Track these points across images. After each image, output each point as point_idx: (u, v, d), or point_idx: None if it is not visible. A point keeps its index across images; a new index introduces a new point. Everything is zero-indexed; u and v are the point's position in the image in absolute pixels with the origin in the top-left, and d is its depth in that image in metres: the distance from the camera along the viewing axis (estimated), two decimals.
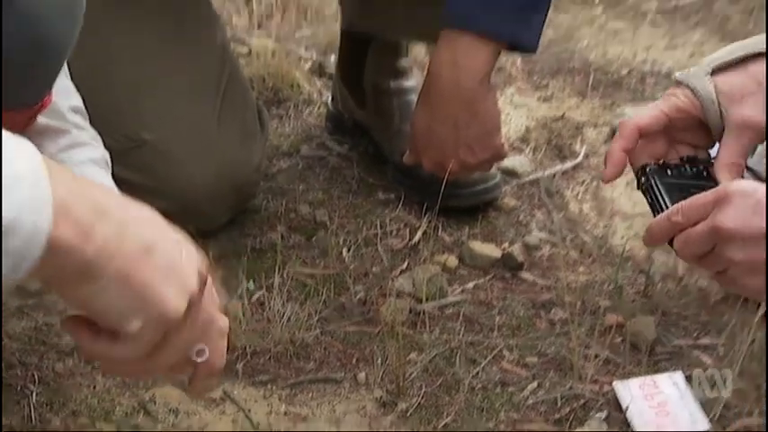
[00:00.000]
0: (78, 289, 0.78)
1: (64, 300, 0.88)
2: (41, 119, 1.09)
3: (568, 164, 1.86)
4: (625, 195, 1.79)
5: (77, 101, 1.17)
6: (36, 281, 0.88)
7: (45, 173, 0.70)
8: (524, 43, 1.50)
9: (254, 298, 1.49)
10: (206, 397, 1.36)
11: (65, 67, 1.10)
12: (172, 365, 0.93)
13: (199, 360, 0.93)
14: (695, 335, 1.48)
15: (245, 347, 1.42)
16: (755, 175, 1.58)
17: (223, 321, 0.99)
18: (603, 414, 1.35)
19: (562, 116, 1.98)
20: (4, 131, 0.69)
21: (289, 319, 1.44)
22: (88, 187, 0.79)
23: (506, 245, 1.63)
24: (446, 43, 1.48)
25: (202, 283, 0.87)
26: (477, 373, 1.39)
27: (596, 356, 1.40)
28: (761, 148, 1.65)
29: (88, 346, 0.87)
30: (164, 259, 0.81)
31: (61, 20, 1.01)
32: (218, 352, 0.96)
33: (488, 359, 1.41)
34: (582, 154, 1.88)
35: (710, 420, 1.29)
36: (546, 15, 1.52)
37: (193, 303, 0.85)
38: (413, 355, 1.41)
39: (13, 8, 0.97)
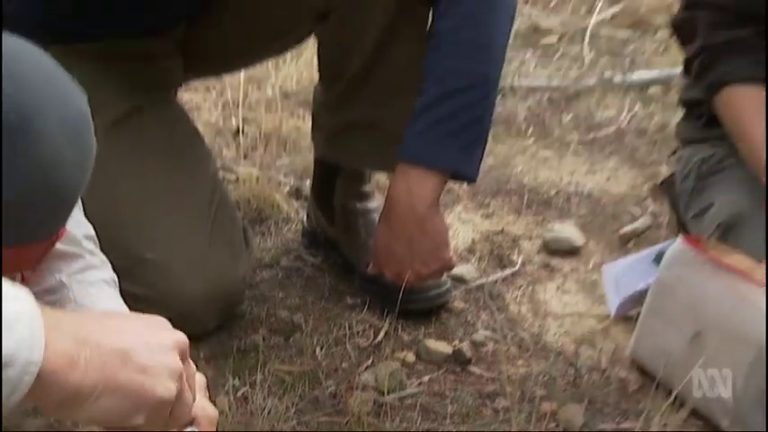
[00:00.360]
0: (75, 408, 0.76)
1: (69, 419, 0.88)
2: (59, 245, 1.07)
3: (508, 271, 1.86)
4: (556, 298, 1.80)
5: (89, 230, 1.16)
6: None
7: (38, 313, 0.71)
8: (466, 174, 1.53)
9: (239, 393, 1.46)
10: None
11: (78, 200, 1.08)
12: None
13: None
14: (617, 420, 1.47)
15: None
16: None
17: (212, 410, 1.00)
18: None
19: (501, 230, 1.99)
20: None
21: (269, 411, 1.42)
22: (71, 319, 0.80)
23: (456, 342, 1.62)
24: (401, 174, 1.50)
25: (182, 356, 0.87)
26: None
27: None
28: None
29: None
30: (142, 358, 0.80)
31: (75, 165, 1.00)
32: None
33: None
34: (519, 263, 1.88)
35: None
36: (484, 149, 1.55)
37: (181, 377, 0.85)
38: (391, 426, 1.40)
39: (30, 154, 0.95)
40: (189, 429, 0.94)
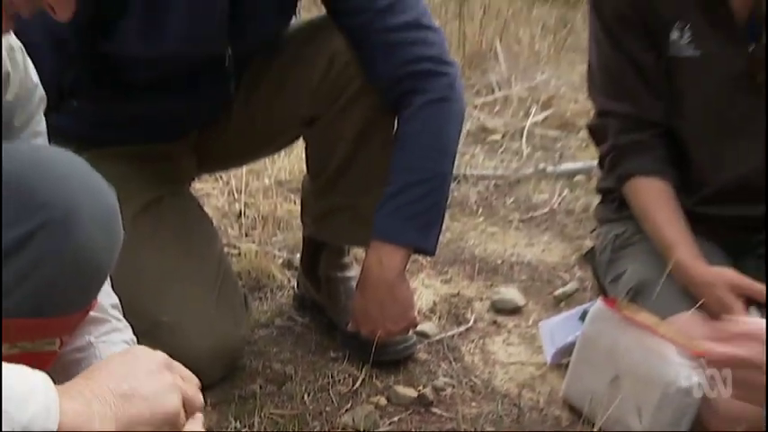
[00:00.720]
0: None
1: None
2: (91, 313, 1.08)
3: (462, 327, 1.85)
4: (502, 350, 1.79)
5: (115, 299, 1.16)
6: None
7: (51, 384, 0.73)
8: (426, 249, 1.55)
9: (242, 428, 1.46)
10: None
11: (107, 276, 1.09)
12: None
13: None
14: None
15: None
16: None
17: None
18: None
19: (457, 293, 1.99)
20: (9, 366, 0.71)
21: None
22: (79, 381, 0.80)
23: (421, 387, 1.61)
24: (374, 249, 1.51)
25: (169, 367, 0.89)
26: None
27: None
28: None
29: None
30: (142, 388, 0.82)
31: (105, 250, 1.02)
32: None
33: None
34: (472, 320, 1.88)
35: None
36: (441, 228, 1.56)
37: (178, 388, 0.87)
38: None
39: (70, 242, 0.97)
40: None
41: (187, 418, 0.92)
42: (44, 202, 0.96)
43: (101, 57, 1.41)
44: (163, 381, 0.85)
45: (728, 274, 1.49)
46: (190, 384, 0.95)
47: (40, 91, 1.10)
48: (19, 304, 0.95)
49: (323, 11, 1.58)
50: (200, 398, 0.95)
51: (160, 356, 0.89)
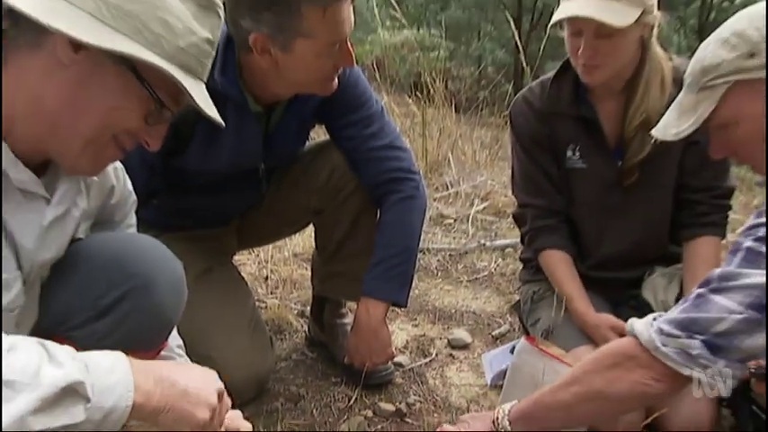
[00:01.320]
0: (152, 419, 0.79)
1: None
2: (163, 352, 1.11)
3: (427, 359, 1.84)
4: (456, 375, 1.78)
5: (179, 341, 1.17)
6: None
7: (128, 365, 0.76)
8: (400, 303, 1.56)
9: None
10: None
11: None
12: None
13: None
14: None
15: None
16: None
17: (246, 425, 1.00)
18: None
19: (423, 334, 1.98)
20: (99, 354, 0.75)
21: None
22: (155, 366, 0.82)
23: (397, 403, 1.61)
24: (363, 303, 1.53)
25: (219, 396, 0.88)
26: None
27: None
28: None
29: None
30: (192, 394, 0.82)
31: (174, 307, 1.07)
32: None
33: None
34: (434, 354, 1.87)
35: None
36: (411, 287, 1.58)
37: (215, 410, 0.86)
38: None
39: (149, 302, 1.01)
40: None
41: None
42: (132, 273, 1.00)
43: (174, 170, 1.44)
44: (208, 398, 0.85)
45: (609, 318, 1.52)
46: (235, 416, 1.00)
47: (133, 196, 1.15)
48: (114, 346, 0.99)
49: (327, 136, 1.62)
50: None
51: (219, 386, 0.89)
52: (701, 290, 1.04)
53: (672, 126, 1.19)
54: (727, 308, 0.97)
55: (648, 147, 1.50)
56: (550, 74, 1.63)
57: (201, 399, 0.83)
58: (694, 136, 1.54)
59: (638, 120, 1.50)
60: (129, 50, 0.76)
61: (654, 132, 1.24)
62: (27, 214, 0.85)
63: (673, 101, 1.50)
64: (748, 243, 0.99)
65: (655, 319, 1.09)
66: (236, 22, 1.24)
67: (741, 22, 1.09)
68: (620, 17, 1.35)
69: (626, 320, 1.52)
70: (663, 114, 1.48)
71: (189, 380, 0.83)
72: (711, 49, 1.10)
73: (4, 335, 0.67)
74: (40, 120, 0.79)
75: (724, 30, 1.11)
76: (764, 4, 1.07)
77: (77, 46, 0.75)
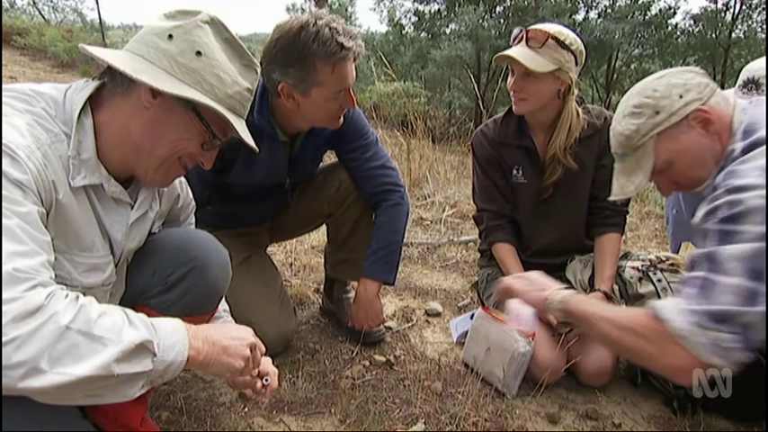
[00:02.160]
0: (202, 369, 0.79)
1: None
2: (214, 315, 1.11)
3: (409, 324, 1.83)
4: (431, 335, 1.77)
5: (226, 306, 1.16)
6: None
7: (185, 327, 0.76)
8: (390, 282, 1.55)
9: (292, 380, 1.44)
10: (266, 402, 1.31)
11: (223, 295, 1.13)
12: (255, 387, 0.91)
13: (267, 382, 0.93)
14: (457, 387, 1.43)
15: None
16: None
17: (273, 371, 0.96)
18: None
19: (407, 305, 1.96)
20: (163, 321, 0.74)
21: (303, 386, 1.41)
22: (202, 330, 0.80)
23: (387, 356, 1.61)
24: (362, 282, 1.52)
25: (252, 350, 0.86)
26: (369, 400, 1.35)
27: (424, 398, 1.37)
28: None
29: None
30: (231, 349, 0.82)
31: (223, 281, 1.07)
32: (274, 382, 0.94)
33: (379, 400, 1.37)
34: (414, 320, 1.86)
35: None
36: (397, 270, 1.56)
37: (248, 359, 0.85)
38: (360, 396, 1.37)
39: (205, 278, 1.02)
40: (265, 378, 0.94)
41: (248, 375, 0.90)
42: (193, 256, 1.02)
43: (222, 184, 1.45)
44: (243, 351, 0.84)
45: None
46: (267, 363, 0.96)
47: (193, 202, 1.16)
48: (180, 310, 0.99)
49: (335, 159, 1.62)
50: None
51: (251, 339, 0.88)
52: (698, 273, 0.87)
53: (628, 185, 1.11)
54: (735, 285, 0.81)
55: (558, 173, 1.55)
56: (501, 114, 1.65)
57: (238, 352, 0.83)
58: (602, 161, 1.59)
59: (550, 153, 1.54)
60: (193, 96, 0.79)
61: (613, 197, 1.17)
62: (117, 216, 0.88)
63: (579, 142, 1.53)
64: (715, 227, 0.86)
65: (683, 306, 0.86)
66: (268, 75, 1.27)
67: (633, 98, 1.08)
68: (538, 65, 1.41)
69: None
70: (567, 152, 1.51)
71: (228, 339, 0.82)
72: (625, 124, 1.08)
73: (97, 303, 0.69)
74: (126, 146, 0.82)
75: (625, 107, 1.09)
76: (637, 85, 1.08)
77: (156, 93, 0.78)
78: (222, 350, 0.80)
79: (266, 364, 0.96)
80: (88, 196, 0.82)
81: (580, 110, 1.55)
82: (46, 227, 0.71)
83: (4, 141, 0.66)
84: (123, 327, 0.67)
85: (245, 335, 0.87)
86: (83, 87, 0.81)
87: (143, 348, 0.69)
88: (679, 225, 1.70)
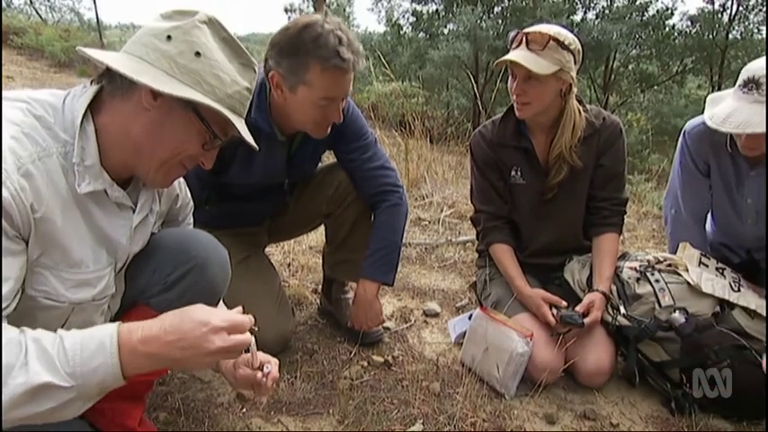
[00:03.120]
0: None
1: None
2: None
3: (407, 324, 1.83)
4: (429, 336, 1.77)
5: (224, 307, 1.14)
6: None
7: (114, 348, 0.69)
8: (389, 283, 1.54)
9: (290, 381, 1.44)
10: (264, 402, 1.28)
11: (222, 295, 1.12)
12: (256, 379, 0.84)
13: (266, 370, 0.87)
14: (455, 387, 1.43)
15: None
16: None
17: (274, 361, 0.92)
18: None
19: (405, 306, 1.95)
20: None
21: (301, 386, 1.40)
22: (145, 343, 0.71)
23: (386, 356, 1.61)
24: (361, 283, 1.52)
25: (227, 330, 0.75)
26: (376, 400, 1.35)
27: (422, 399, 1.37)
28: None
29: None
30: (188, 359, 0.73)
31: (223, 281, 1.06)
32: (274, 371, 0.89)
33: (378, 400, 1.37)
34: (413, 320, 1.86)
35: None
36: (396, 270, 1.55)
37: (217, 353, 0.73)
38: (359, 397, 1.36)
39: (205, 276, 1.02)
40: (265, 366, 0.88)
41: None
42: (193, 255, 1.02)
43: (220, 184, 1.45)
44: (201, 345, 0.72)
45: (540, 292, 1.53)
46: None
47: (191, 202, 1.16)
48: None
49: (334, 159, 1.61)
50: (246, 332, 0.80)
51: (226, 319, 0.76)
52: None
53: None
54: None
55: (564, 172, 1.54)
56: (500, 115, 1.65)
57: (198, 361, 0.73)
58: (601, 160, 1.60)
59: (555, 153, 1.53)
60: (193, 97, 0.79)
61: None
62: (121, 221, 0.88)
63: (583, 140, 1.53)
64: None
65: None
66: (266, 60, 1.28)
67: None
68: (541, 67, 1.40)
69: (552, 294, 1.57)
70: (573, 150, 1.50)
71: (182, 349, 0.72)
72: None
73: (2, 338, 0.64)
74: (127, 147, 0.82)
75: None
76: None
77: (156, 95, 0.78)
78: (175, 362, 0.73)
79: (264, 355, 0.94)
80: (87, 207, 0.81)
81: (580, 108, 1.55)
82: (26, 249, 0.69)
83: None
84: (14, 369, 0.63)
85: (206, 336, 0.73)
86: (82, 93, 0.81)
87: (42, 388, 0.64)
88: (678, 225, 1.70)
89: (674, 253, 1.59)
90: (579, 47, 1.46)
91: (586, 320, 1.41)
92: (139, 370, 0.70)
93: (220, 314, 0.76)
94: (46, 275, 0.76)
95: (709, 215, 1.69)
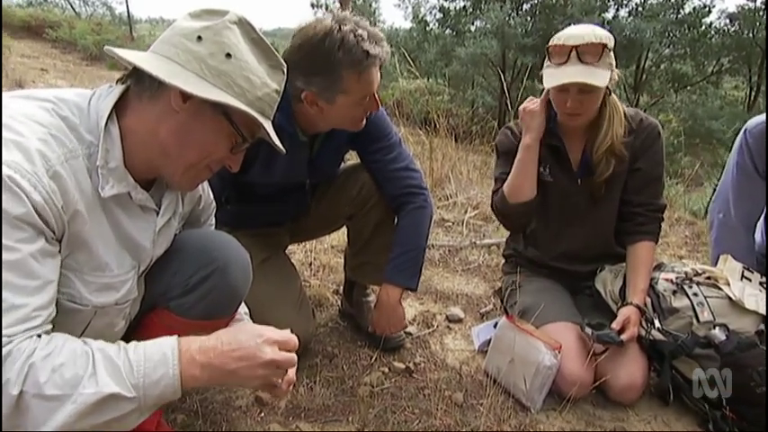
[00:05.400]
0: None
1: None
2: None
3: (430, 330, 1.80)
4: (452, 342, 1.74)
5: (246, 309, 1.14)
6: None
7: (176, 359, 0.71)
8: (413, 288, 1.52)
9: (310, 385, 1.43)
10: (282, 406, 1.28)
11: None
12: (273, 384, 0.82)
13: (287, 377, 0.84)
14: (477, 399, 1.40)
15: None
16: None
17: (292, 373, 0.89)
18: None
19: (428, 310, 1.93)
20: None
21: (321, 391, 1.39)
22: (202, 353, 0.74)
23: (407, 363, 1.58)
24: (384, 287, 1.50)
25: (280, 345, 0.77)
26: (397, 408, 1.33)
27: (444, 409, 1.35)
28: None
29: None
30: (243, 373, 0.74)
31: (244, 284, 1.05)
32: (291, 374, 0.85)
33: (398, 409, 1.35)
34: (435, 325, 1.83)
35: None
36: (420, 275, 1.52)
37: (270, 368, 0.76)
38: (379, 405, 1.35)
39: (226, 279, 1.01)
40: None
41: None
42: (214, 257, 1.00)
43: (242, 184, 1.44)
44: (256, 362, 0.75)
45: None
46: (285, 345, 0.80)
47: (213, 203, 1.15)
48: (200, 313, 0.99)
49: (357, 159, 1.60)
50: (292, 356, 0.81)
51: (275, 336, 0.78)
52: None
53: None
54: None
55: (612, 167, 1.48)
56: None
57: (250, 374, 0.75)
58: (637, 164, 1.53)
59: (603, 148, 1.47)
60: (224, 100, 0.77)
61: None
62: (144, 224, 0.88)
63: (625, 135, 1.48)
64: None
65: None
66: (292, 81, 1.25)
67: None
68: (600, 79, 1.34)
69: (582, 305, 1.51)
70: (622, 143, 1.44)
71: (237, 359, 0.74)
72: None
73: (63, 348, 0.65)
74: (153, 148, 0.81)
75: None
76: None
77: (186, 96, 0.77)
78: (229, 374, 0.74)
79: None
80: (111, 210, 0.80)
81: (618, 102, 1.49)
82: (59, 251, 0.71)
83: (7, 173, 0.63)
84: (83, 379, 0.64)
85: (260, 347, 0.76)
86: (107, 94, 0.80)
87: (110, 398, 0.65)
88: (724, 231, 1.62)
89: (716, 261, 1.51)
90: (613, 41, 1.40)
91: (623, 337, 1.35)
92: (195, 383, 0.71)
93: (274, 329, 0.80)
94: (70, 277, 0.76)
95: (760, 222, 1.60)
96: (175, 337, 0.73)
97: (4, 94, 0.76)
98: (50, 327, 0.69)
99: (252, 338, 0.75)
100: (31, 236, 0.66)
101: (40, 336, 0.66)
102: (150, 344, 0.71)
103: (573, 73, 1.34)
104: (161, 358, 0.70)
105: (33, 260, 0.65)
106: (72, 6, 13.53)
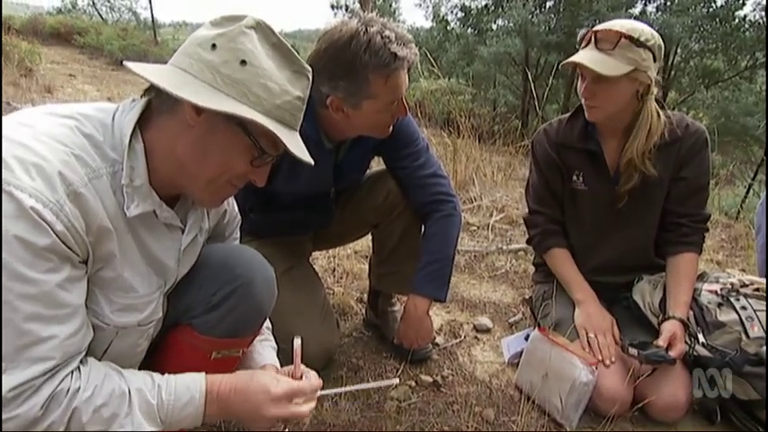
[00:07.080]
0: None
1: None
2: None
3: (457, 340, 1.77)
4: (480, 354, 1.70)
5: (269, 323, 1.12)
6: None
7: (202, 403, 0.80)
8: (441, 299, 1.47)
9: (335, 400, 1.40)
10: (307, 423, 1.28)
11: None
12: (286, 420, 0.87)
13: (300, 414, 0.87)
14: (509, 415, 1.35)
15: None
16: None
17: (314, 375, 0.95)
18: None
19: (455, 320, 1.90)
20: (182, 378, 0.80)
21: (346, 405, 1.37)
22: (222, 401, 0.82)
23: (434, 376, 1.55)
24: (411, 298, 1.46)
25: (289, 398, 0.84)
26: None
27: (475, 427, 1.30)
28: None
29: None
30: (258, 421, 0.84)
31: (268, 299, 1.02)
32: (304, 413, 0.88)
33: (427, 425, 1.32)
34: (463, 336, 1.79)
35: None
36: (449, 286, 1.48)
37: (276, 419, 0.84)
38: (407, 421, 1.31)
39: (250, 295, 0.97)
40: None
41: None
42: (238, 274, 0.97)
43: (266, 193, 1.40)
44: (263, 415, 0.82)
45: (610, 317, 1.43)
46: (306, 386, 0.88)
47: (238, 217, 1.12)
48: (224, 331, 0.96)
49: (383, 166, 1.57)
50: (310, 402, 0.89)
51: (268, 385, 0.84)
52: None
53: None
54: None
55: (634, 180, 1.42)
56: (568, 114, 1.55)
57: (257, 420, 0.83)
58: (682, 172, 1.46)
59: (626, 158, 1.42)
60: (238, 111, 0.73)
61: None
62: (170, 242, 0.85)
63: (661, 147, 1.41)
64: None
65: None
66: (316, 86, 1.21)
67: None
68: (610, 69, 1.29)
69: (619, 317, 1.45)
70: (646, 157, 1.40)
71: (245, 411, 0.83)
72: None
73: (103, 386, 0.72)
74: (173, 166, 0.78)
75: None
76: None
77: (199, 110, 0.74)
78: (241, 419, 0.85)
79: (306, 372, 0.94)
80: (137, 230, 0.78)
81: (661, 112, 1.42)
82: (86, 272, 0.72)
83: (30, 204, 0.63)
84: (120, 418, 0.71)
85: (263, 406, 0.83)
86: (131, 108, 0.78)
87: None
88: None
89: (765, 274, 1.43)
90: (660, 42, 1.34)
91: (672, 354, 1.29)
92: (211, 419, 0.80)
93: (283, 382, 0.85)
94: (96, 292, 0.74)
95: None
96: (202, 376, 0.81)
97: (27, 111, 0.74)
98: (85, 350, 0.73)
99: (259, 392, 0.83)
100: (56, 265, 0.65)
101: (79, 368, 0.71)
102: (180, 382, 0.79)
103: (583, 56, 1.32)
104: (189, 400, 0.78)
105: (60, 289, 0.66)
106: (99, 13, 13.88)
